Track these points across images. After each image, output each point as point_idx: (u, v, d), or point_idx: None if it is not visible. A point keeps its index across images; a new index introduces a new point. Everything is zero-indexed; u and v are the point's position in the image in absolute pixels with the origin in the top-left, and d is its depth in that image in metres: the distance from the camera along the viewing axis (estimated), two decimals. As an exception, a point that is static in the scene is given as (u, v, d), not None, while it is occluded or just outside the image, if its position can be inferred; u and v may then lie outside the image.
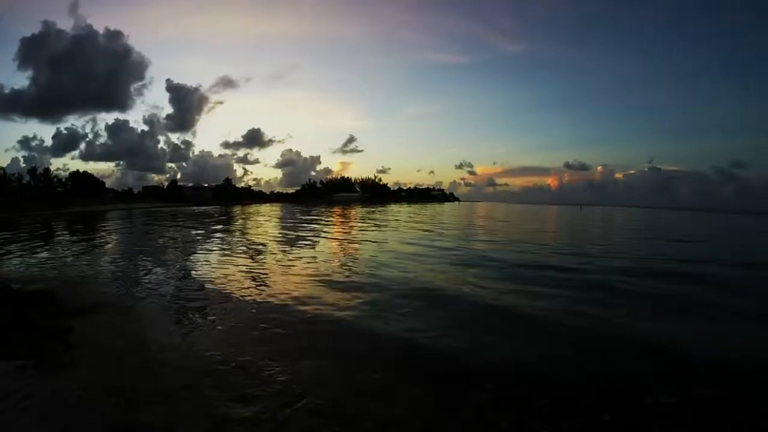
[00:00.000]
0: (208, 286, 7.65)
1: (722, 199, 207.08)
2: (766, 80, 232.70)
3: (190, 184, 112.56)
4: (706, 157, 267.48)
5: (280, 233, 19.04)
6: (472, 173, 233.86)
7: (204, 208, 62.01)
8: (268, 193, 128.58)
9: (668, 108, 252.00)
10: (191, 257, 11.28)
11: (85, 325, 5.35)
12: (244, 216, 38.00)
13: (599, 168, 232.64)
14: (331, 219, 32.84)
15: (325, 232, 19.83)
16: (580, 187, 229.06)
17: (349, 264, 10.26)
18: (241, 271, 9.07)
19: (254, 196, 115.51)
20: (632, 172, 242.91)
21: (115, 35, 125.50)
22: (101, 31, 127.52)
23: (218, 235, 18.58)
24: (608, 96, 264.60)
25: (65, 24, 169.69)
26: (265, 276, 8.56)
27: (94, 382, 3.75)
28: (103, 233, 19.38)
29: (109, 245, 14.43)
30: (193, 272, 9.04)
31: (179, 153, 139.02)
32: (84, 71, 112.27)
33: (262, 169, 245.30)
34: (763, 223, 47.01)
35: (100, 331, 5.13)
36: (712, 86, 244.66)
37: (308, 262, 10.33)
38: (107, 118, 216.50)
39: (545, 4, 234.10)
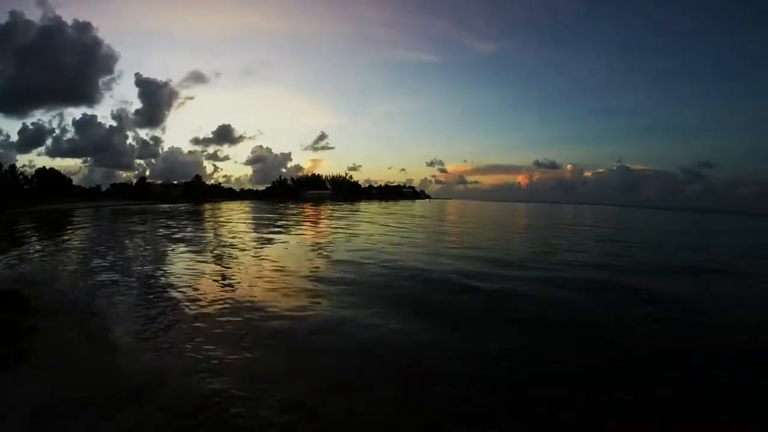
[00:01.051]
0: (163, 292, 8.19)
1: (690, 199, 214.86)
2: (733, 83, 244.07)
3: (159, 182, 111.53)
4: (674, 157, 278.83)
5: (229, 240, 18.38)
6: (442, 171, 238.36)
7: (173, 205, 63.03)
8: (238, 190, 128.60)
9: (637, 109, 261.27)
10: (149, 263, 11.59)
11: (50, 326, 5.78)
12: (209, 216, 39.85)
13: (569, 167, 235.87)
14: (295, 218, 34.87)
15: (280, 236, 20.75)
16: (550, 185, 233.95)
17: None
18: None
19: (224, 193, 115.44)
20: (601, 171, 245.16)
21: (84, 27, 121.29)
22: (70, 22, 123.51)
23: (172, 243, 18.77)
24: (579, 96, 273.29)
25: (33, 15, 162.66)
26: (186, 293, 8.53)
27: (57, 382, 4.03)
28: (69, 234, 20.42)
29: (74, 247, 15.19)
30: (147, 278, 9.49)
31: (148, 149, 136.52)
32: (52, 64, 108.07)
33: (233, 166, 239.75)
34: (714, 222, 51.82)
35: (64, 332, 5.53)
36: (681, 88, 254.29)
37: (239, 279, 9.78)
38: (75, 112, 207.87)
39: (520, 5, 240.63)
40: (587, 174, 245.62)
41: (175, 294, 8.17)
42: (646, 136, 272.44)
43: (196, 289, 8.65)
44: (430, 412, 3.94)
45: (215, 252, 14.20)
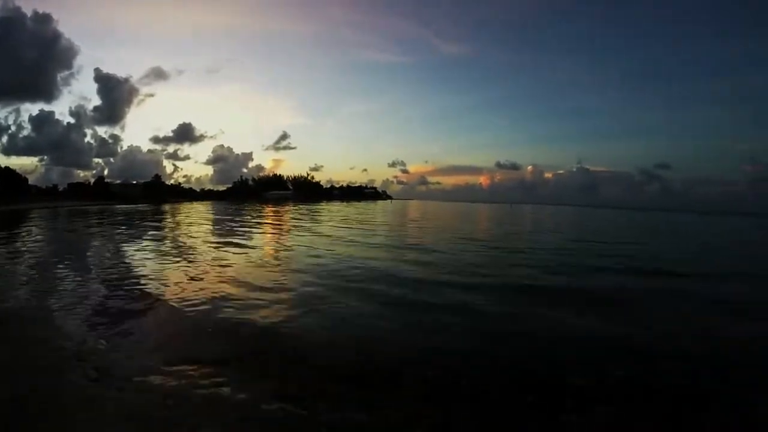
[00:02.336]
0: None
1: (648, 199, 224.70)
2: (689, 86, 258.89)
3: (118, 181, 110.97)
4: (632, 159, 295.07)
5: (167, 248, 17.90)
6: (404, 172, 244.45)
7: (132, 206, 63.67)
8: (198, 190, 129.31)
9: (596, 111, 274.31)
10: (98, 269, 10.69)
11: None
12: (167, 219, 40.58)
13: (529, 168, 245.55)
14: (251, 221, 34.61)
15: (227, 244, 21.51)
16: (511, 186, 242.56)
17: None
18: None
19: (185, 193, 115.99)
20: (561, 172, 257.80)
21: (44, 19, 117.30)
22: (29, 14, 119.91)
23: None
24: (539, 98, 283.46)
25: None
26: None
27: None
28: (24, 237, 19.67)
29: (28, 251, 14.29)
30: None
31: (107, 148, 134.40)
32: (9, 57, 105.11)
33: (193, 166, 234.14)
34: (684, 221, 52.99)
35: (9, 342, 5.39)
36: (639, 91, 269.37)
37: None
38: (31, 108, 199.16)
39: (486, 6, 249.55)
40: (548, 175, 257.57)
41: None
42: (606, 138, 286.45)
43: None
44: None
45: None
